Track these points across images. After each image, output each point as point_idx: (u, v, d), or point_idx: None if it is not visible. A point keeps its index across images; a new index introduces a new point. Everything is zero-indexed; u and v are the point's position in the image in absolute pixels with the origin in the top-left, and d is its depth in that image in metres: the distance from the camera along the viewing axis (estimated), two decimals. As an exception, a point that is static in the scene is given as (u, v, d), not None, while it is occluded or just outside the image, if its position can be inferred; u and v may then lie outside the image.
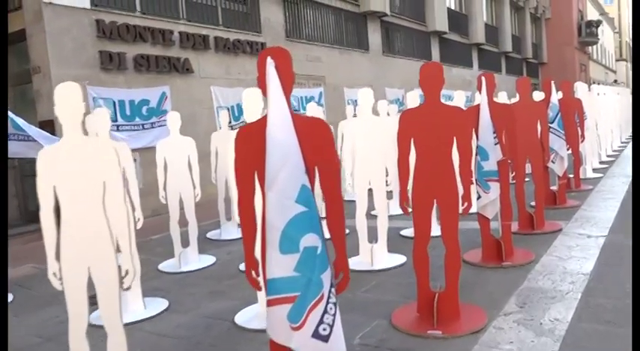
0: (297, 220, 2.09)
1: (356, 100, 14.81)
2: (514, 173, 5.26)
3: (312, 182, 2.23)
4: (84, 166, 2.77)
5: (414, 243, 3.74)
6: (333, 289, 2.17)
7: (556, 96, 7.31)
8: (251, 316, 4.04)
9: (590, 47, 42.86)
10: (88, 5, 8.58)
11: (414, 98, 7.23)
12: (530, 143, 6.15)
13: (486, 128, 4.85)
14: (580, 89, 9.49)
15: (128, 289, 2.93)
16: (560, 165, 7.23)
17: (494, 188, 4.85)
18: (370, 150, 5.26)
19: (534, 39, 34.80)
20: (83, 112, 2.81)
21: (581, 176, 9.27)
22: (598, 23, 41.25)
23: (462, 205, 3.66)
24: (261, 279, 2.42)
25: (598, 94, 12.68)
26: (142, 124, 9.44)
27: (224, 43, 11.04)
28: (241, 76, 11.54)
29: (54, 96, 2.74)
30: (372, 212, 5.68)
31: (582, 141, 8.70)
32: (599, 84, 20.25)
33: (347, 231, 2.60)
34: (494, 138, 4.89)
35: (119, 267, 2.83)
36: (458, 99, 7.96)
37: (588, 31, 39.61)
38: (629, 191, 8.00)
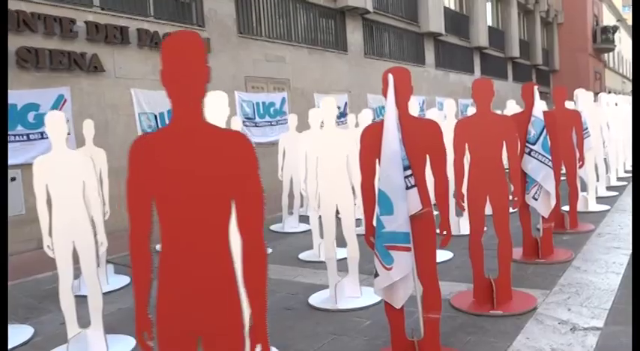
0: None
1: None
2: (445, 232, 3.23)
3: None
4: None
5: None
6: None
7: (541, 107, 5.29)
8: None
9: (605, 54, 40.55)
10: (-53, -17, 6.74)
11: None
12: (492, 174, 4.14)
13: (392, 161, 2.87)
14: (581, 98, 7.45)
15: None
16: (544, 202, 5.20)
17: (402, 261, 2.87)
18: (336, 167, 4.49)
19: (545, 44, 32.64)
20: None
21: (581, 209, 7.21)
22: (615, 29, 38.92)
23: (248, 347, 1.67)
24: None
25: (607, 104, 10.59)
26: (28, 135, 7.59)
27: (151, 38, 9.15)
28: (175, 77, 9.65)
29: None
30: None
31: (581, 166, 6.66)
32: (610, 93, 17.70)
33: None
34: (408, 178, 2.91)
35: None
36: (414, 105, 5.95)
37: (604, 37, 37.36)
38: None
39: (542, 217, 5.31)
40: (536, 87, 5.30)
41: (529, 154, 5.19)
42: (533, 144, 5.19)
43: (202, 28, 10.25)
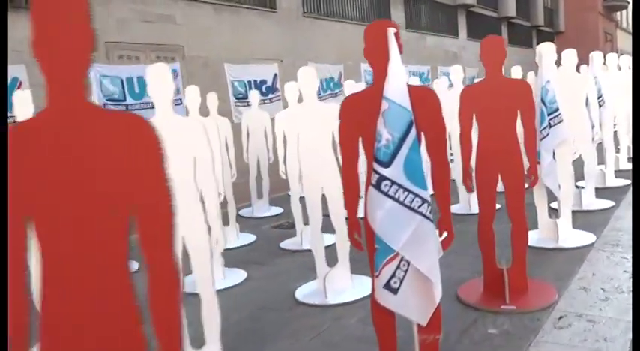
0: None
1: (252, 81, 10.07)
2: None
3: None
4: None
5: None
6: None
7: (401, 79, 2.31)
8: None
9: (617, 13, 36.75)
10: None
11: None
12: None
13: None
14: (546, 60, 4.37)
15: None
16: (416, 295, 2.29)
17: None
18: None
19: (548, 2, 29.01)
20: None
21: (547, 245, 4.29)
22: (628, -17, 34.98)
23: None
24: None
25: (606, 67, 7.52)
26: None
27: None
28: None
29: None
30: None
31: (533, 183, 3.65)
32: (608, 54, 13.54)
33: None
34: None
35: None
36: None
37: (615, -7, 33.57)
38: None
39: (418, 325, 2.39)
40: (391, 29, 2.33)
41: (377, 187, 2.25)
42: (387, 165, 2.24)
43: (25, -25, 7.25)
